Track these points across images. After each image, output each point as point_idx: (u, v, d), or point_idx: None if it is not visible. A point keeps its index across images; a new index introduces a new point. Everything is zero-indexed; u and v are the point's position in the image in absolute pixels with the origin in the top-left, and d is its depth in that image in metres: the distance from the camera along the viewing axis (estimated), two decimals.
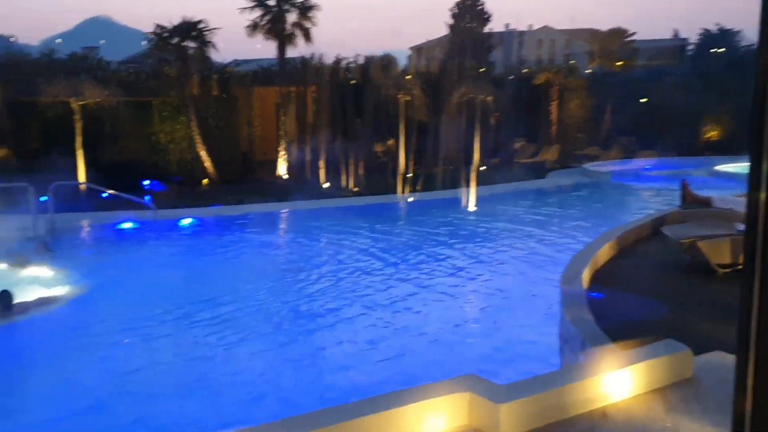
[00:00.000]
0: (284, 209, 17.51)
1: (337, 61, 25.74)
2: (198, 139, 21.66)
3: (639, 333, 5.43)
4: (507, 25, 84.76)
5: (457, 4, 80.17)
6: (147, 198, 16.49)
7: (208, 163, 21.79)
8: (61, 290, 9.61)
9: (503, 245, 13.07)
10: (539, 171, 23.64)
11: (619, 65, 33.25)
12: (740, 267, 7.61)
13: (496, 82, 28.14)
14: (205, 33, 22.10)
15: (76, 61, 21.97)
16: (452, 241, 13.53)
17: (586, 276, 7.25)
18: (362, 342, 7.91)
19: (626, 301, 7.00)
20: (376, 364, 7.23)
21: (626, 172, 23.36)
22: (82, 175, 18.93)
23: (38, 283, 9.83)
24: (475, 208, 16.95)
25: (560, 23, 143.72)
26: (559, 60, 51.10)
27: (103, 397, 6.45)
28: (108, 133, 20.75)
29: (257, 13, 23.07)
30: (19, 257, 11.07)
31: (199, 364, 7.30)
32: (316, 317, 8.94)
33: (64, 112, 19.09)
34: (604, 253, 8.33)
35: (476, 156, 24.35)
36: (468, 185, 18.54)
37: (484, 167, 22.80)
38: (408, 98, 22.20)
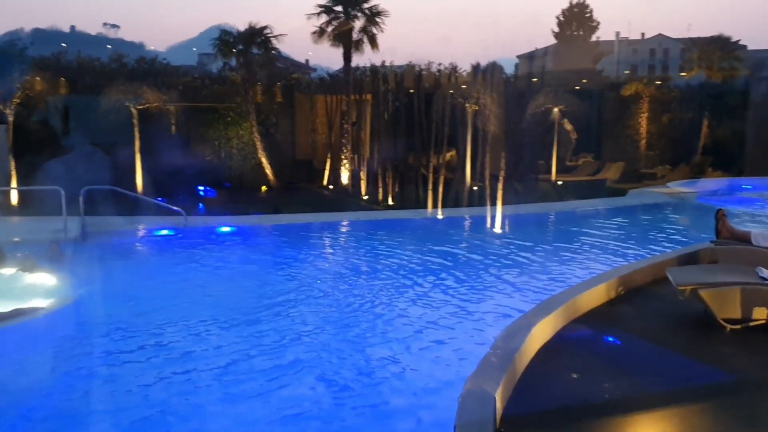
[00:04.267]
0: (328, 220, 16.93)
1: (408, 69, 25.08)
2: (259, 146, 21.65)
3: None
4: (617, 34, 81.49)
5: (563, 12, 77.68)
6: (200, 205, 16.55)
7: (268, 170, 21.74)
8: (45, 301, 9.38)
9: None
10: (595, 190, 21.74)
11: (720, 75, 30.64)
12: (754, 323, 6.39)
13: (585, 92, 26.53)
14: (270, 39, 22.08)
15: (144, 66, 22.46)
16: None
17: (546, 330, 6.06)
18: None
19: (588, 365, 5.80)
20: None
21: (719, 190, 21.21)
22: (139, 179, 19.25)
23: (27, 291, 9.66)
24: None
25: (677, 31, 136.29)
26: (674, 69, 48.11)
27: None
28: (172, 138, 21.09)
29: (324, 19, 22.85)
30: (28, 261, 11.03)
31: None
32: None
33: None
34: (597, 296, 7.14)
35: (554, 169, 23.12)
36: (534, 200, 17.43)
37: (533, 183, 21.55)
38: (476, 108, 21.22)
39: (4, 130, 17.97)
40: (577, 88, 27.17)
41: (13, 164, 17.80)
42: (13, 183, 17.67)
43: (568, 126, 24.90)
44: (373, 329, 8.55)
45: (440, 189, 17.70)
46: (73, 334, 8.36)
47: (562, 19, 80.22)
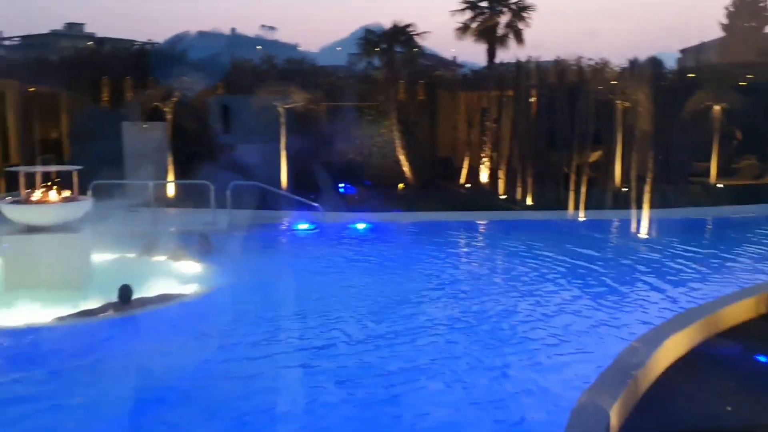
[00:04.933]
0: (464, 219, 16.69)
1: (555, 65, 24.21)
2: (399, 143, 21.82)
3: None
4: None
5: (734, 2, 72.08)
6: (339, 201, 17.02)
7: (406, 168, 21.86)
8: (190, 287, 9.97)
9: None
10: (756, 195, 19.71)
11: None
12: None
13: (752, 88, 24.30)
14: (413, 37, 22.16)
15: (293, 66, 23.31)
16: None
17: (680, 345, 5.48)
18: None
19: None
20: None
21: None
22: (283, 176, 20.02)
23: (174, 278, 10.31)
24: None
25: None
26: None
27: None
28: (316, 136, 21.76)
29: (468, 15, 22.57)
30: (177, 251, 11.79)
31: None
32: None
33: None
34: (744, 310, 6.44)
35: (713, 172, 21.56)
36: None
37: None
38: (627, 105, 20.13)
39: (162, 128, 19.36)
40: (743, 84, 24.96)
41: (170, 159, 19.12)
42: (170, 177, 18.98)
43: (731, 127, 23.02)
44: (509, 332, 8.24)
45: (583, 190, 16.95)
46: (213, 320, 8.77)
47: (732, 9, 74.46)
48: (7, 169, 12.13)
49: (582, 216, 16.45)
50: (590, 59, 23.92)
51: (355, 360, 7.24)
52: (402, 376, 6.74)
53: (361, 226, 15.58)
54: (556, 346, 7.56)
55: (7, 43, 56.79)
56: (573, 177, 17.28)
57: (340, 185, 20.43)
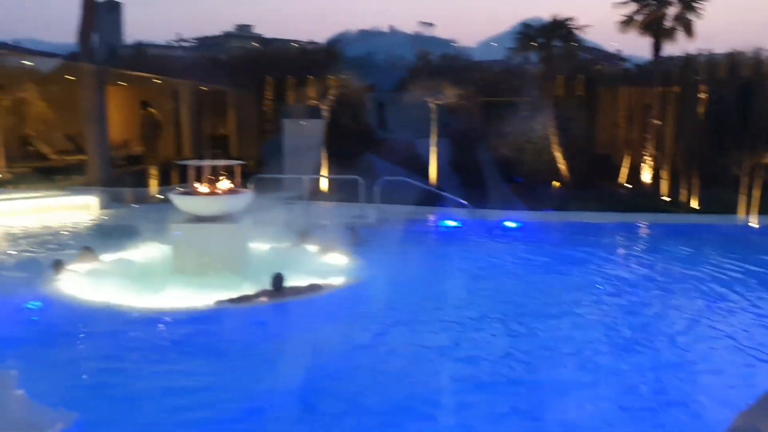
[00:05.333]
0: (623, 221, 15.83)
1: (728, 58, 22.45)
2: (554, 140, 21.21)
3: None
4: None
5: None
6: (489, 198, 16.81)
7: (562, 165, 21.20)
8: (339, 279, 10.26)
9: None
10: None
11: None
12: None
13: None
14: (572, 31, 21.43)
15: (447, 62, 23.31)
16: None
17: None
18: None
19: None
20: None
21: None
22: (433, 171, 20.10)
23: (324, 269, 10.65)
24: None
25: None
26: None
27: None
28: (468, 132, 21.68)
29: (633, 8, 21.44)
30: (328, 243, 12.16)
31: None
32: None
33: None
34: None
35: None
36: None
37: None
38: None
39: (320, 125, 20.09)
40: None
41: (325, 155, 19.80)
42: (324, 172, 19.66)
43: None
44: (669, 348, 7.71)
45: (756, 193, 15.55)
46: (359, 310, 9.00)
47: None
48: (178, 162, 13.08)
49: (755, 222, 15.10)
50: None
51: (499, 363, 7.11)
52: (548, 383, 6.56)
53: (510, 224, 15.26)
54: (717, 364, 7.00)
55: (184, 44, 61.44)
56: (745, 179, 15.89)
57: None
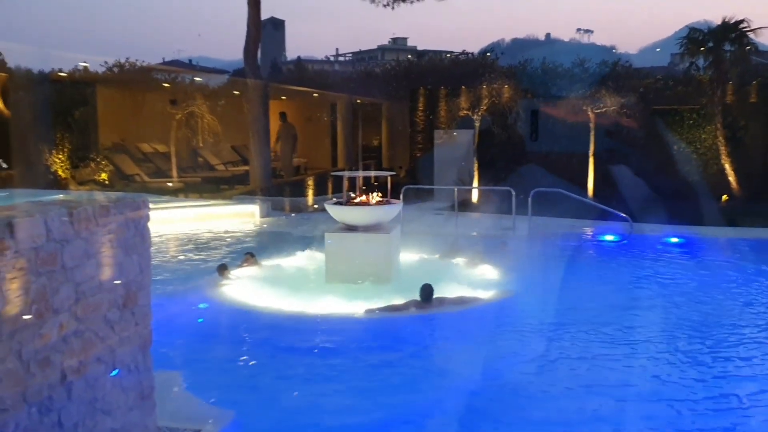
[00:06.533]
0: None
1: None
2: (723, 150, 19.74)
3: None
4: None
5: None
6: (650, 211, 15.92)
7: (731, 177, 19.67)
8: (487, 292, 10.09)
9: None
10: None
11: None
12: None
13: None
14: (746, 34, 19.84)
15: (606, 69, 22.36)
16: None
17: None
18: None
19: None
20: None
21: None
22: (590, 183, 19.34)
23: (473, 281, 10.51)
24: None
25: None
26: None
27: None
28: (628, 142, 20.73)
29: None
30: (476, 254, 12.03)
31: None
32: None
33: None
34: None
35: None
36: None
37: None
38: None
39: (471, 135, 19.98)
40: None
41: (476, 165, 19.65)
42: (475, 183, 19.50)
43: None
44: None
45: None
46: (508, 325, 8.76)
47: None
48: (332, 173, 13.53)
49: None
50: None
51: (663, 389, 6.67)
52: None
53: (673, 240, 14.32)
54: None
55: (342, 59, 63.78)
56: None
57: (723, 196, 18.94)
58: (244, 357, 7.56)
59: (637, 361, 7.34)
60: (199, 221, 16.22)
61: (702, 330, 8.51)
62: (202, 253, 13.11)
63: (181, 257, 12.89)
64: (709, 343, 7.96)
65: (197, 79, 23.23)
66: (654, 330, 8.41)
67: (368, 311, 8.91)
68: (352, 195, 10.93)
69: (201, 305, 9.24)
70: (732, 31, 19.76)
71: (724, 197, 19.32)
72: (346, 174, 11.26)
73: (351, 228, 10.72)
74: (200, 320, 8.92)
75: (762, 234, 14.69)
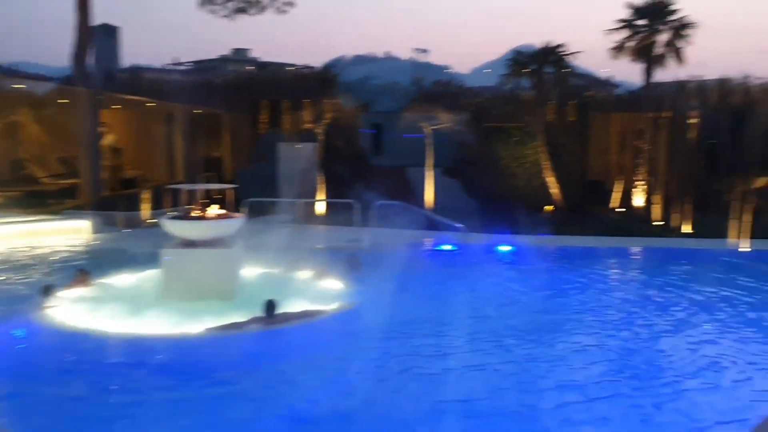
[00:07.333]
0: (615, 245, 15.89)
1: (718, 84, 22.65)
2: (546, 165, 21.28)
3: None
4: None
5: None
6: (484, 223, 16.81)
7: (554, 190, 21.25)
8: (330, 304, 10.14)
9: None
10: None
11: None
12: None
13: None
14: (563, 57, 21.59)
15: (440, 88, 23.45)
16: None
17: None
18: None
19: None
20: None
21: None
22: (429, 196, 20.09)
23: (317, 295, 10.54)
24: None
25: None
26: None
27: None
28: (461, 157, 21.76)
29: (624, 34, 21.69)
30: (321, 266, 12.06)
31: None
32: None
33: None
34: None
35: None
36: None
37: None
38: None
39: (313, 148, 20.12)
40: None
41: (319, 178, 19.80)
42: (319, 195, 19.64)
43: None
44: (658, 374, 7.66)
45: (748, 218, 15.59)
46: (354, 337, 8.92)
47: None
48: (169, 186, 13.03)
49: (746, 246, 15.13)
50: (759, 78, 22.16)
51: (497, 385, 7.13)
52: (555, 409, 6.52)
53: (504, 248, 15.24)
54: (709, 389, 6.99)
55: (181, 68, 61.70)
56: (736, 204, 15.93)
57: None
58: (65, 384, 7.05)
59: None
60: (21, 238, 15.01)
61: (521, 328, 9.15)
62: (22, 273, 12.13)
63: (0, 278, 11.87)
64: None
65: (20, 86, 21.49)
66: (476, 332, 8.87)
67: (208, 330, 8.66)
68: (190, 209, 10.59)
69: (16, 332, 8.53)
70: (551, 55, 21.44)
71: (548, 208, 20.83)
72: (184, 187, 10.91)
73: (189, 243, 10.39)
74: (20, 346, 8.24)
75: (580, 242, 16.01)
